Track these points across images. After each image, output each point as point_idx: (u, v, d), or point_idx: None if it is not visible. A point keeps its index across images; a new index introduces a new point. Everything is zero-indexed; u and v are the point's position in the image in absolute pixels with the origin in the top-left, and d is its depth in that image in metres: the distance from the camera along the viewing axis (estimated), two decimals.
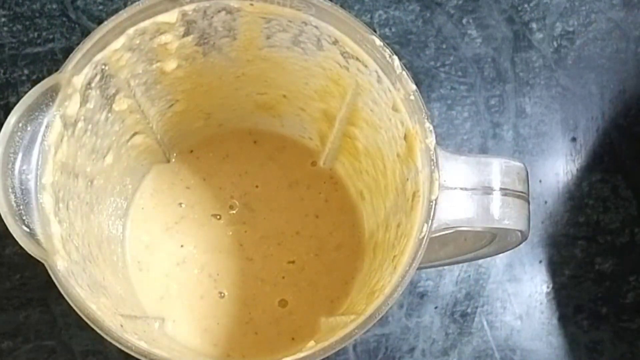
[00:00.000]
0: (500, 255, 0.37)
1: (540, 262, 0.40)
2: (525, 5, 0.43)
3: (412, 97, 0.27)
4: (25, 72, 0.40)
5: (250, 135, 0.38)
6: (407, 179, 0.28)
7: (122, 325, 0.27)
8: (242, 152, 0.38)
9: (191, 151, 0.37)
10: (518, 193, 0.28)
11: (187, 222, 0.36)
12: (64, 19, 0.41)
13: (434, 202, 0.26)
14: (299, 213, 0.37)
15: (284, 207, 0.37)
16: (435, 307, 0.39)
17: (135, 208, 0.36)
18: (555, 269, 0.40)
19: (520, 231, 0.28)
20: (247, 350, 0.35)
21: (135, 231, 0.36)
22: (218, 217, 0.37)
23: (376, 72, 0.28)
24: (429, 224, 0.26)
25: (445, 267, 0.39)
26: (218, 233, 0.37)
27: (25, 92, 0.26)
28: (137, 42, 0.28)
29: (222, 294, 0.36)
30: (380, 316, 0.26)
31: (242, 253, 0.36)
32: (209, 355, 0.34)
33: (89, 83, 0.27)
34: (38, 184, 0.26)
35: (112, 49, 0.27)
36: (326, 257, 0.36)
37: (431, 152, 0.27)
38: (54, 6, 0.41)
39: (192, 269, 0.36)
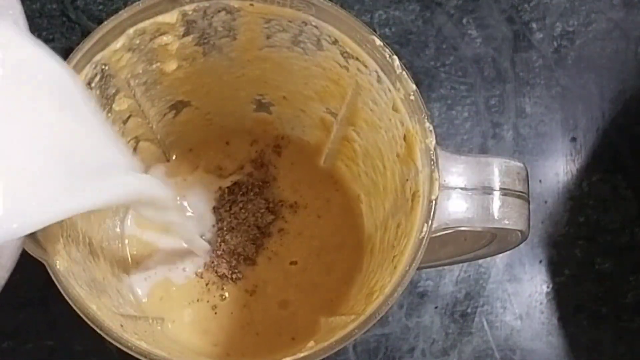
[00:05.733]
0: (500, 255, 0.38)
1: (540, 262, 0.40)
2: (525, 5, 0.43)
3: (412, 97, 0.27)
4: None
5: (250, 135, 0.38)
6: (407, 180, 0.28)
7: (122, 325, 0.27)
8: (242, 152, 0.38)
9: (191, 150, 0.37)
10: (518, 193, 0.28)
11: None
12: (64, 19, 0.41)
13: (434, 202, 0.26)
14: (301, 214, 0.37)
15: None
16: (435, 307, 0.39)
17: None
18: (555, 269, 0.40)
19: (520, 231, 0.28)
20: (247, 350, 0.35)
21: (135, 231, 0.36)
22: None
23: (376, 72, 0.28)
24: (429, 224, 0.26)
25: (445, 267, 0.39)
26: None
27: None
28: (137, 42, 0.28)
29: (223, 295, 0.36)
30: (380, 316, 0.26)
31: None
32: (209, 355, 0.34)
33: (89, 83, 0.27)
34: None
35: (112, 49, 0.27)
36: (327, 257, 0.36)
37: (431, 152, 0.27)
38: (54, 6, 0.41)
39: (192, 269, 0.36)
